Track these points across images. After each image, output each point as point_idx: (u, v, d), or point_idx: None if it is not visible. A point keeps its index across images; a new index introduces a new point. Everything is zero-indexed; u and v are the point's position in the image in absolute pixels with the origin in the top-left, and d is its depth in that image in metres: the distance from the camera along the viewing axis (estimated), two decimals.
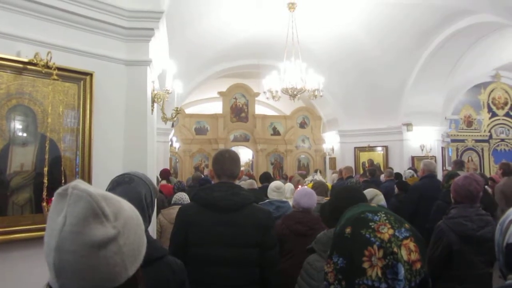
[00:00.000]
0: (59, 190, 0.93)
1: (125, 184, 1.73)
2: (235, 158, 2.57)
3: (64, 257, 0.87)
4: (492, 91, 13.04)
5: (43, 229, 0.97)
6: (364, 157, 12.41)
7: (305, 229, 3.56)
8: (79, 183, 0.93)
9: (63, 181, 2.71)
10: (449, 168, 9.59)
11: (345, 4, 8.29)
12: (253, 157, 15.22)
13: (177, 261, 1.77)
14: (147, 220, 1.74)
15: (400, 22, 8.90)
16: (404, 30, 9.26)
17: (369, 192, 3.08)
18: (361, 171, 11.18)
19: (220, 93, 14.28)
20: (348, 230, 1.16)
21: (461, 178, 3.18)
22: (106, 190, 1.76)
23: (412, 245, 1.10)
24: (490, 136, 13.02)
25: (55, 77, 2.67)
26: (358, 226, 1.14)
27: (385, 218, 1.15)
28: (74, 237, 0.87)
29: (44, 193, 2.61)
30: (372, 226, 1.12)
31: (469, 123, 12.96)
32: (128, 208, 1.00)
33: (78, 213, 0.88)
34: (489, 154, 12.96)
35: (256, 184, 6.81)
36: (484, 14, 7.99)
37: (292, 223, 3.63)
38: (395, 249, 1.07)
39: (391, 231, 1.11)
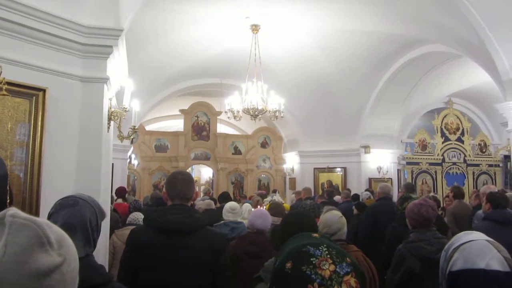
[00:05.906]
0: None
1: (69, 207, 1.67)
2: (188, 180, 2.54)
3: None
4: (445, 116, 13.62)
5: None
6: (324, 177, 12.60)
7: (257, 250, 3.55)
8: (17, 211, 0.90)
9: (8, 200, 2.59)
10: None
11: (306, 29, 8.49)
12: (213, 176, 15.11)
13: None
14: (91, 245, 1.69)
15: (359, 49, 9.22)
16: (363, 56, 9.60)
17: (336, 223, 3.04)
18: (321, 192, 11.32)
19: (182, 111, 14.15)
20: (288, 265, 1.14)
21: (415, 205, 3.24)
22: (49, 213, 1.70)
23: (353, 281, 1.10)
24: (443, 160, 13.52)
25: (5, 92, 2.57)
26: (299, 262, 1.13)
27: (326, 252, 1.14)
28: (17, 267, 0.83)
29: None
30: (314, 262, 1.11)
31: (423, 146, 13.42)
32: (67, 235, 0.97)
33: (22, 242, 0.85)
34: (442, 177, 13.43)
35: (215, 204, 6.74)
36: (437, 44, 8.42)
37: (246, 244, 3.62)
38: (336, 287, 1.08)
39: (332, 267, 1.10)
